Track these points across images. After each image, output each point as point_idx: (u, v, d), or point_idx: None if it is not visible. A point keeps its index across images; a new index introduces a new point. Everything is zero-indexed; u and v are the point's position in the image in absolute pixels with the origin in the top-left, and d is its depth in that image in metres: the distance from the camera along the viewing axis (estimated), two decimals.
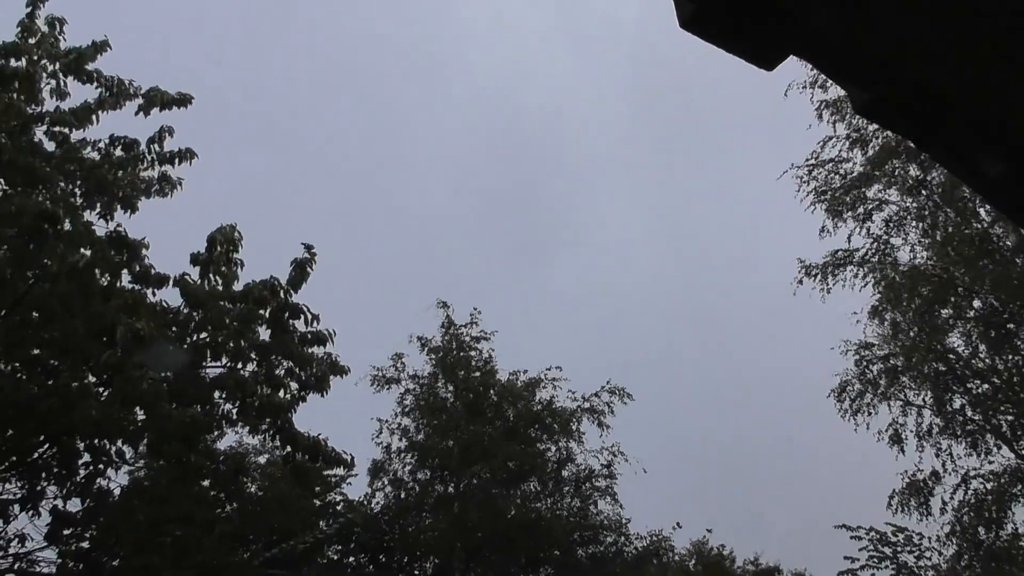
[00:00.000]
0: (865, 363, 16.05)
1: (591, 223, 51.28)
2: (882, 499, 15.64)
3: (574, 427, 20.24)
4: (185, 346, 10.37)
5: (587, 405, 20.17)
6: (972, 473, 14.59)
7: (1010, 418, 14.44)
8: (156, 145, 10.52)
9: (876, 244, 16.65)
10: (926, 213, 15.90)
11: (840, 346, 16.54)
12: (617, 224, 50.66)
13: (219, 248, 10.16)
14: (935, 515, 14.90)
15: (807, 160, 17.03)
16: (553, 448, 20.26)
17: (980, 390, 14.91)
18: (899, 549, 23.14)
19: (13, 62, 9.88)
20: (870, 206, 16.76)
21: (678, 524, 20.81)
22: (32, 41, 10.24)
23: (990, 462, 14.54)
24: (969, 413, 14.88)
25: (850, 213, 16.79)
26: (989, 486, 14.34)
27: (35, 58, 10.27)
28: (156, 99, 10.40)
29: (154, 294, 10.25)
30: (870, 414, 15.80)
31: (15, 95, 9.73)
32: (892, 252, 16.50)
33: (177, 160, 10.72)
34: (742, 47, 1.95)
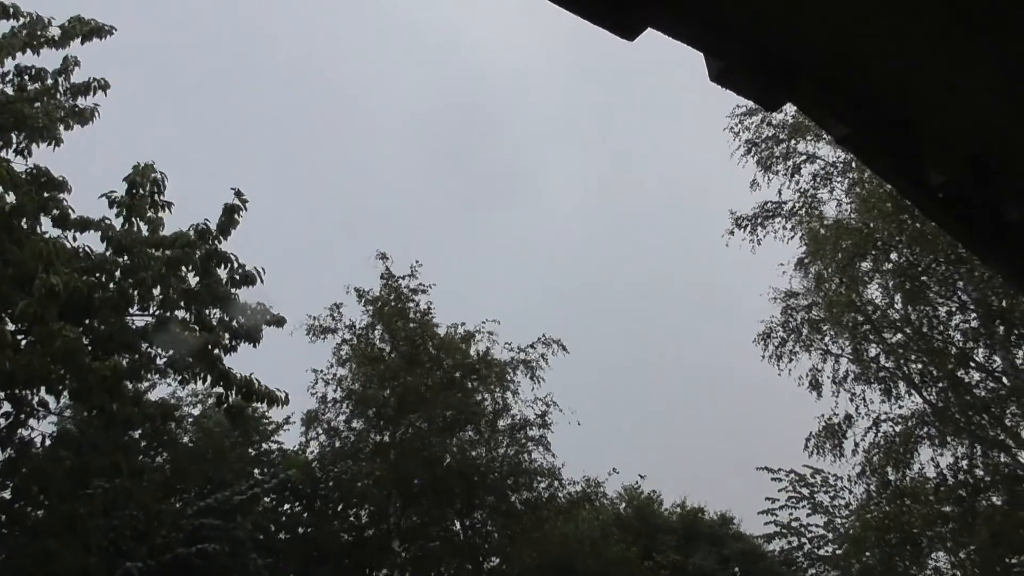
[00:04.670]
0: (790, 312, 16.70)
1: (536, 178, 51.30)
2: (802, 443, 16.41)
3: (509, 378, 20.53)
4: (109, 293, 10.13)
5: (522, 357, 20.45)
6: (883, 417, 15.42)
7: (920, 366, 15.25)
8: (63, 78, 10.10)
9: (803, 198, 17.21)
10: (852, 167, 16.45)
11: (769, 293, 17.18)
12: (561, 180, 50.81)
13: (140, 191, 9.88)
14: (848, 456, 15.74)
15: (741, 107, 17.37)
16: (489, 398, 20.54)
17: (894, 339, 15.66)
18: (816, 489, 24.52)
19: None
20: (799, 160, 17.28)
21: (614, 470, 21.50)
22: None
23: (900, 407, 15.38)
24: (883, 361, 15.65)
25: (780, 166, 17.29)
26: (898, 429, 15.18)
27: None
28: (75, 30, 9.96)
29: (75, 239, 9.95)
30: (791, 360, 16.51)
31: None
32: (818, 206, 17.09)
33: (91, 91, 10.31)
34: (598, 13, 1.95)
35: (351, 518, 19.95)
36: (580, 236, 49.56)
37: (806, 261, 16.76)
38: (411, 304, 20.41)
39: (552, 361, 20.35)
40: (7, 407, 10.60)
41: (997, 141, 2.26)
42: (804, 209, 17.40)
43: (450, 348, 20.22)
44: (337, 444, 19.71)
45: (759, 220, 17.86)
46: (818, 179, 17.29)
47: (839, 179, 17.08)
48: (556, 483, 20.40)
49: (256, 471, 18.84)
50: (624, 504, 25.77)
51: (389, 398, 19.25)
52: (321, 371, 19.85)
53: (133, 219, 10.12)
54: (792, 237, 17.41)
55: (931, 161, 2.26)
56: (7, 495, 11.39)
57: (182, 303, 10.59)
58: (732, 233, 17.97)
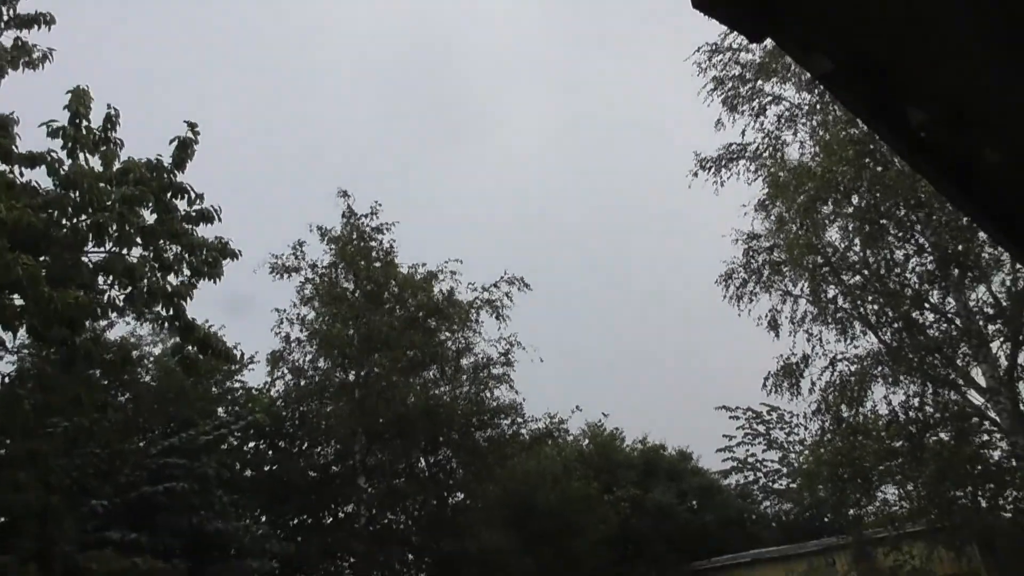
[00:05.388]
0: (752, 253, 16.88)
1: (500, 118, 50.54)
2: (760, 382, 16.81)
3: (473, 318, 20.60)
4: (64, 231, 9.83)
5: (486, 297, 20.51)
6: (839, 357, 15.80)
7: (876, 307, 15.60)
8: (7, 7, 9.59)
9: (768, 139, 17.25)
10: (817, 110, 16.48)
11: (731, 234, 17.31)
12: (525, 119, 50.14)
13: (84, 120, 9.50)
14: (804, 395, 16.16)
15: (709, 43, 17.19)
16: (452, 338, 20.63)
17: (852, 281, 15.96)
18: (772, 426, 25.31)
19: None
20: (765, 100, 17.25)
21: (577, 407, 21.88)
22: None
23: (856, 347, 15.76)
24: (840, 302, 15.96)
25: (746, 106, 17.24)
26: (853, 368, 15.59)
27: None
28: None
29: (22, 174, 9.57)
30: (751, 301, 16.77)
31: None
32: (782, 148, 17.15)
33: (36, 25, 9.82)
34: None
35: (317, 456, 20.10)
36: (544, 174, 49.25)
37: (767, 204, 16.90)
38: (373, 244, 20.24)
39: (517, 299, 20.47)
40: None
41: (978, 85, 2.25)
42: (768, 151, 17.46)
43: (413, 287, 20.16)
44: (303, 383, 19.71)
45: (723, 162, 17.90)
46: (783, 120, 17.31)
47: (803, 121, 17.12)
48: (519, 420, 20.75)
49: (220, 410, 18.79)
50: (587, 441, 26.35)
51: (353, 338, 19.21)
52: (284, 311, 19.72)
53: (82, 152, 9.74)
54: (755, 180, 17.52)
55: (911, 102, 2.24)
56: None
57: (138, 240, 10.33)
58: (696, 175, 18.01)
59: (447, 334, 20.47)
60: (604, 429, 26.60)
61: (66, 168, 9.90)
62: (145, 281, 9.99)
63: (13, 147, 9.55)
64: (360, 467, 19.32)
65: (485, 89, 52.80)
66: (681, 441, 27.99)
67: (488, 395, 20.45)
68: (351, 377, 19.62)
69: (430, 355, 19.77)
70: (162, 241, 10.39)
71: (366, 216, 20.22)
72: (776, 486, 26.07)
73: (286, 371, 19.65)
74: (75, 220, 9.99)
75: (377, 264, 20.07)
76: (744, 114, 17.39)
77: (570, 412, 21.57)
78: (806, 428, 17.90)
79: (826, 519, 23.26)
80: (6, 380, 10.76)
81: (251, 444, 19.75)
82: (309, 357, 19.81)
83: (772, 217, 16.79)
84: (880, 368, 15.51)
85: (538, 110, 50.64)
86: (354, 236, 20.12)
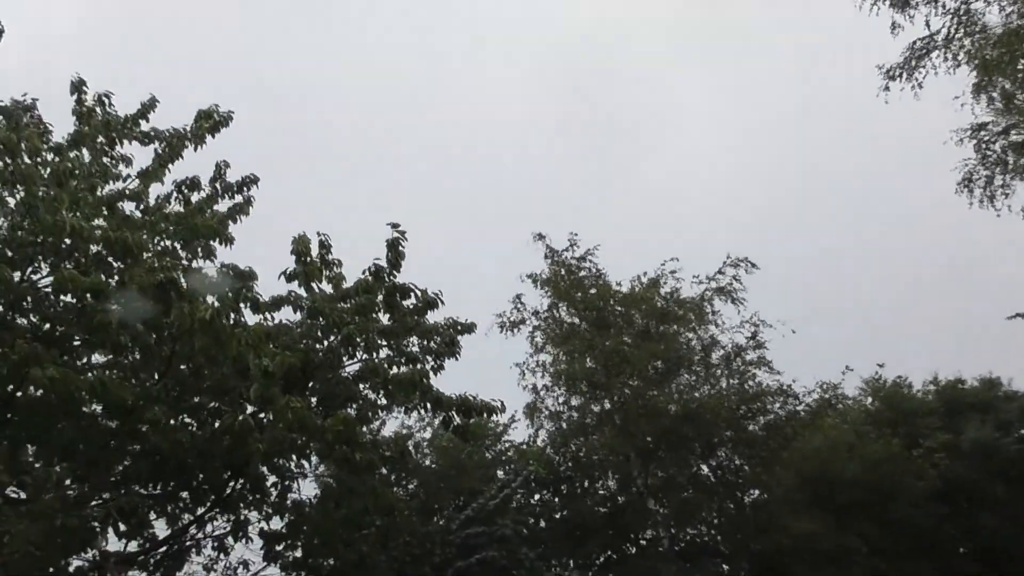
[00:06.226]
0: (985, 144, 14.89)
1: (670, 118, 49.47)
2: None
3: (708, 311, 20.04)
4: (321, 353, 10.91)
5: (714, 286, 19.92)
6: None
7: None
8: (218, 184, 10.98)
9: (955, 17, 15.22)
10: None
11: (951, 137, 15.39)
12: (697, 114, 48.65)
13: (308, 259, 10.60)
14: None
15: None
16: (694, 337, 20.17)
17: None
18: None
19: (78, 152, 10.47)
20: None
21: (848, 367, 20.37)
22: (87, 129, 10.78)
23: None
24: None
25: None
26: None
27: (97, 142, 10.83)
28: (203, 128, 10.81)
29: (272, 317, 10.79)
30: (1006, 196, 14.72)
31: (96, 179, 10.30)
32: (977, 20, 15.06)
33: (246, 187, 11.15)
34: None
35: (600, 491, 20.29)
36: (727, 155, 47.35)
37: (983, 84, 14.88)
38: (583, 273, 20.39)
39: (747, 281, 19.71)
40: (273, 479, 11.76)
41: None
42: (961, 30, 15.42)
43: (634, 301, 20.00)
44: (563, 426, 20.11)
45: (912, 62, 16.04)
46: None
47: None
48: (789, 399, 19.72)
49: (499, 472, 19.63)
50: (870, 399, 24.30)
51: (594, 368, 19.34)
52: (524, 363, 20.33)
53: (313, 284, 10.84)
54: (957, 66, 15.46)
55: None
56: (299, 554, 12.63)
57: (381, 341, 11.22)
58: (887, 88, 16.29)
59: (688, 335, 20.06)
60: (884, 381, 24.40)
61: (305, 301, 11.06)
62: (394, 375, 10.80)
63: (259, 297, 10.82)
64: (645, 490, 19.20)
65: (650, 96, 52.05)
66: (979, 368, 24.91)
67: (751, 383, 19.68)
68: (606, 405, 19.72)
69: (675, 360, 19.43)
70: (400, 337, 11.23)
71: (567, 250, 20.48)
72: None
73: (544, 418, 20.16)
74: (326, 343, 11.09)
75: (593, 291, 20.17)
76: (918, 4, 15.56)
77: (841, 375, 20.16)
78: None
79: None
80: (313, 501, 11.99)
81: (536, 497, 20.37)
82: (561, 399, 20.22)
83: (995, 96, 14.77)
84: None
85: (709, 101, 49.03)
86: (562, 272, 20.41)
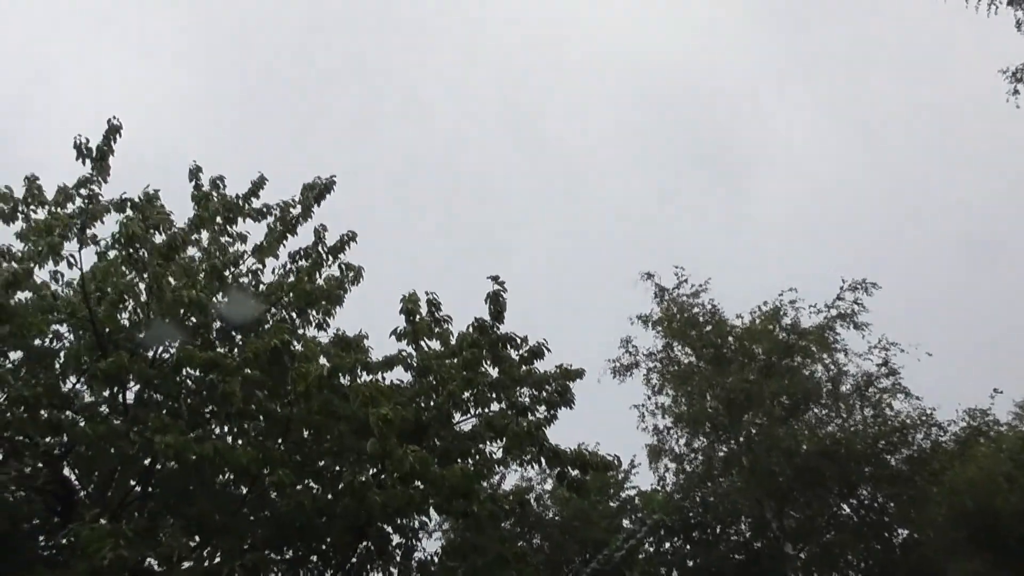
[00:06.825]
0: None
1: (777, 143, 48.31)
2: None
3: (831, 339, 19.08)
4: (432, 413, 10.99)
5: (834, 312, 18.97)
6: None
7: None
8: (320, 247, 11.38)
9: None
10: None
11: None
12: (803, 136, 47.27)
13: (417, 317, 10.77)
14: None
15: None
16: (819, 368, 19.22)
17: None
18: None
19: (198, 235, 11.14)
20: None
21: (995, 390, 18.78)
22: (206, 214, 11.46)
23: None
24: None
25: None
26: None
27: (215, 224, 11.49)
28: (309, 199, 11.29)
29: (384, 379, 10.97)
30: None
31: (216, 259, 10.91)
32: None
33: (346, 246, 11.51)
34: None
35: (733, 536, 19.36)
36: (836, 174, 45.47)
37: None
38: (696, 309, 19.87)
39: (869, 303, 18.68)
40: (397, 538, 11.83)
41: None
42: None
43: (753, 336, 19.26)
44: (688, 468, 19.44)
45: None
46: None
47: None
48: (933, 428, 18.32)
49: (625, 521, 19.10)
50: None
51: (717, 407, 18.67)
52: (642, 404, 19.87)
53: (422, 342, 10.98)
54: None
55: None
56: None
57: (492, 395, 11.19)
58: (1016, 92, 15.28)
59: (814, 366, 19.12)
60: None
61: (415, 359, 11.21)
62: (509, 428, 10.71)
63: (370, 359, 11.06)
64: (781, 534, 18.15)
65: (757, 121, 51.06)
66: None
67: (887, 412, 18.47)
68: (733, 446, 18.93)
69: (803, 395, 18.51)
70: (510, 389, 11.17)
71: (677, 287, 20.05)
72: None
73: (667, 462, 19.55)
74: (437, 398, 11.16)
75: (708, 328, 19.58)
76: None
77: (989, 398, 18.56)
78: None
79: None
80: (436, 556, 11.95)
81: (666, 545, 19.66)
82: (683, 440, 19.58)
83: None
84: None
85: (815, 122, 47.57)
86: (675, 311, 19.96)
